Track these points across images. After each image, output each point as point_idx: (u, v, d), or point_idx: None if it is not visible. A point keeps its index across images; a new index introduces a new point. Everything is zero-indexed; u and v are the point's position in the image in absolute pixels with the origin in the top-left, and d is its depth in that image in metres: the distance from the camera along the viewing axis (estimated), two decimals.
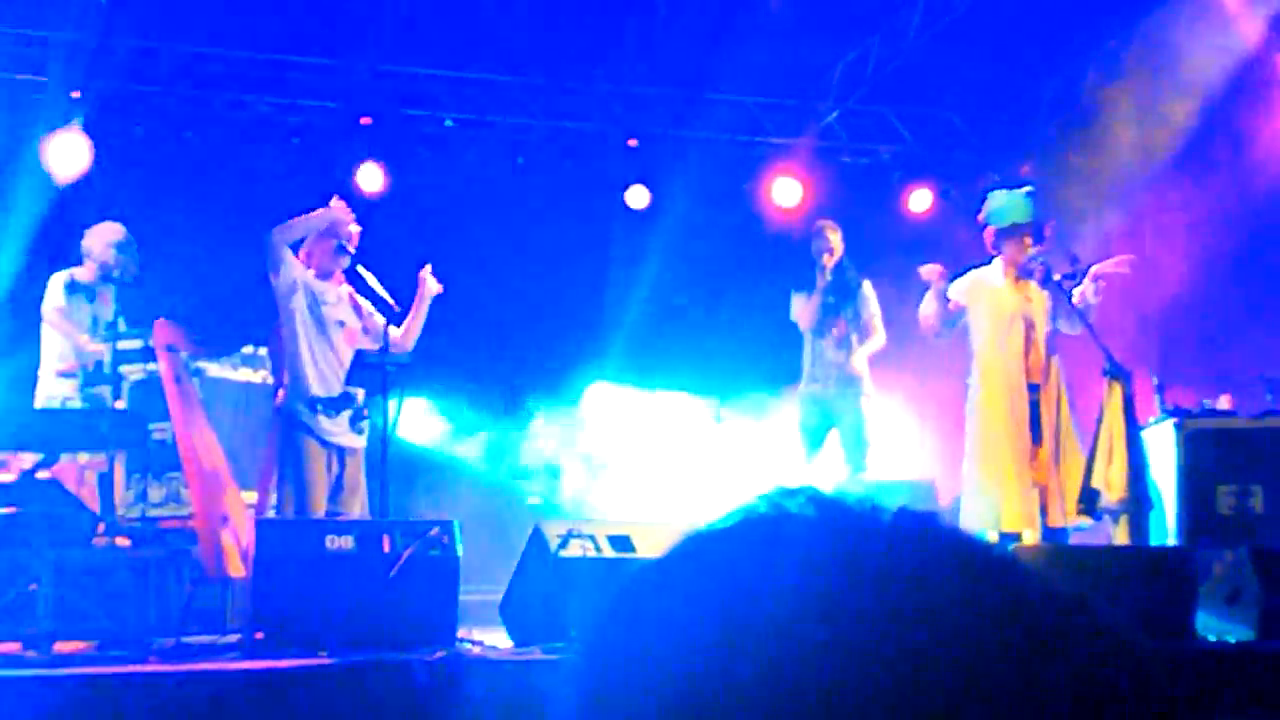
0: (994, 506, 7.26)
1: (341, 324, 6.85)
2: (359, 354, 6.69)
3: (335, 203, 6.89)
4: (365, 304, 6.96)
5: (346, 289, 6.94)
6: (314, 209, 7.04)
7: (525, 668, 5.01)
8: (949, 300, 7.48)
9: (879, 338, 9.74)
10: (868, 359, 9.82)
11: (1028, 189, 7.55)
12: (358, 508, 6.80)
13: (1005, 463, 7.25)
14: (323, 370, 6.77)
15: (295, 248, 6.89)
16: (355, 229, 6.94)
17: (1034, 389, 7.30)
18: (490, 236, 11.58)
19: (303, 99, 11.24)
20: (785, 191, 12.18)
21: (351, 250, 6.90)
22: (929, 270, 7.56)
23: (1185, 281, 10.77)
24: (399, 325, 6.89)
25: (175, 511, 7.91)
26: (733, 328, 11.80)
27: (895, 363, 10.29)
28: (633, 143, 11.94)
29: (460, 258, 11.35)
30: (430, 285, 6.98)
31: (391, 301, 6.66)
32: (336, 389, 6.77)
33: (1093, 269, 7.44)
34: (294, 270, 6.77)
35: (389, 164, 11.20)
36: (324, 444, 6.73)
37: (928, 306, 7.52)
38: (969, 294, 7.51)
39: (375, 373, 6.37)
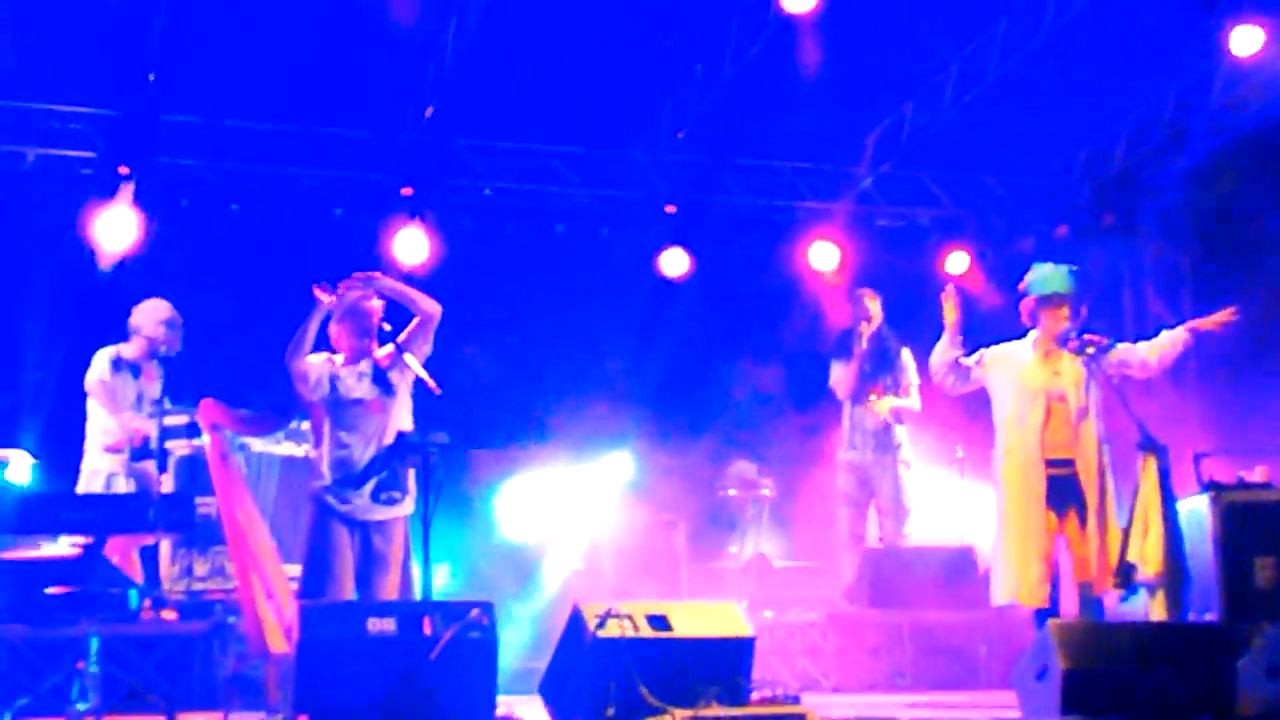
0: (1005, 578, 7.33)
1: (359, 401, 6.90)
2: (400, 436, 6.77)
3: (341, 286, 6.91)
4: (395, 361, 6.94)
5: (368, 362, 6.97)
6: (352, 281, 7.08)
7: None
8: (960, 354, 7.54)
9: (913, 402, 9.80)
10: (907, 424, 9.88)
11: (1072, 267, 7.62)
12: (394, 583, 6.82)
13: (1016, 537, 7.32)
14: (342, 449, 6.83)
15: (323, 342, 6.95)
16: (376, 305, 6.98)
17: (1063, 464, 7.33)
18: (530, 303, 11.71)
19: (345, 170, 11.41)
20: (822, 256, 12.25)
21: (371, 328, 6.94)
22: (946, 294, 7.61)
23: (1221, 350, 10.78)
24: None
25: (220, 585, 8.04)
26: (769, 394, 11.85)
27: (936, 428, 10.35)
28: (670, 209, 12.05)
29: (500, 325, 11.52)
30: (375, 284, 6.94)
31: (432, 384, 6.72)
32: (359, 466, 6.82)
33: (1190, 323, 7.50)
34: (316, 374, 6.84)
35: (430, 233, 11.34)
36: (346, 522, 6.78)
37: (943, 355, 7.56)
38: (992, 364, 7.56)
39: (417, 453, 6.46)
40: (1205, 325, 7.48)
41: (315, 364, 6.86)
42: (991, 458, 7.65)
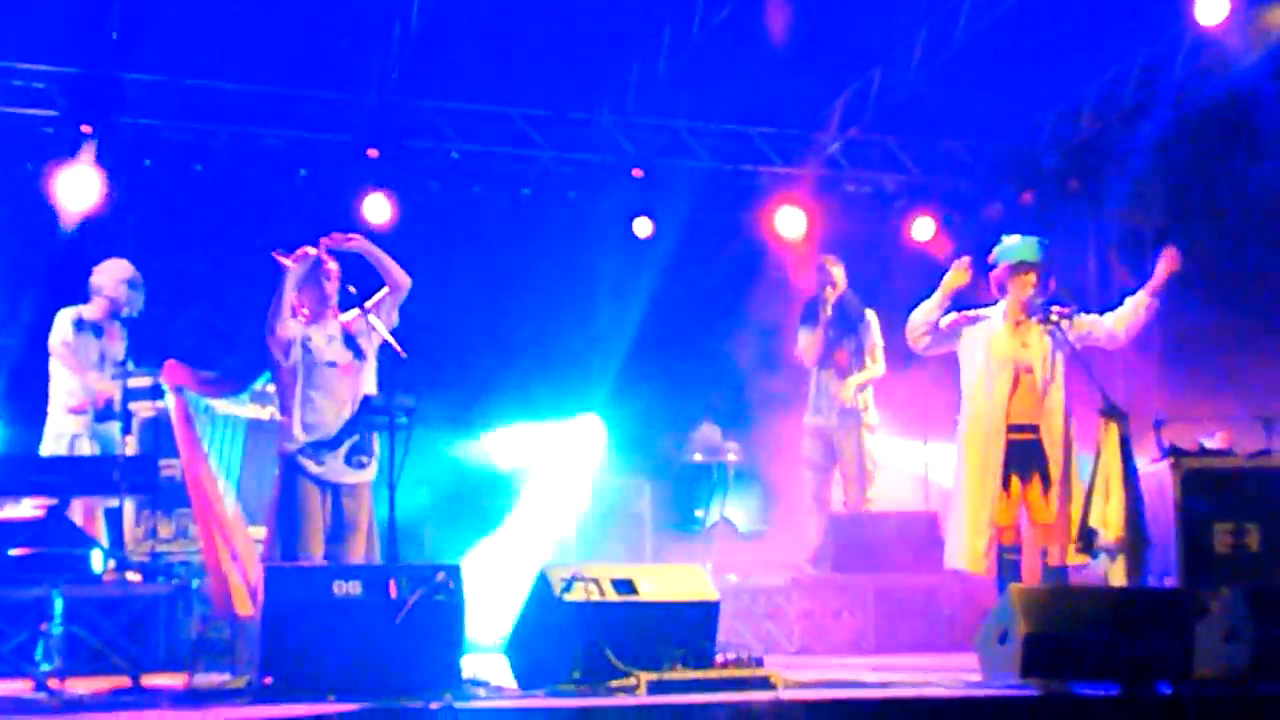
0: (961, 545, 7.40)
1: (333, 364, 6.91)
2: (366, 399, 6.77)
3: (308, 248, 6.92)
4: (362, 325, 6.95)
5: (337, 325, 6.97)
6: (314, 241, 7.08)
7: (530, 715, 5.09)
8: (943, 320, 7.55)
9: (877, 367, 9.85)
10: (871, 389, 9.92)
11: (1042, 239, 7.65)
12: (361, 545, 6.85)
13: (970, 505, 7.39)
14: (315, 412, 6.83)
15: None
16: (333, 267, 6.98)
17: (1027, 428, 7.37)
18: (495, 266, 11.69)
19: (310, 131, 11.34)
20: (789, 221, 12.26)
21: (330, 290, 6.93)
22: (961, 263, 7.57)
23: (1184, 318, 10.85)
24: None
25: (184, 548, 8.02)
26: (733, 358, 11.87)
27: (899, 393, 10.39)
28: (638, 173, 12.03)
29: (465, 288, 11.49)
30: (350, 244, 6.95)
31: (398, 347, 6.73)
32: (332, 429, 6.83)
33: (1148, 286, 7.51)
34: (291, 334, 6.84)
35: (396, 195, 11.29)
36: (318, 483, 6.80)
37: (926, 314, 7.55)
38: (965, 330, 7.58)
39: (382, 416, 6.46)
40: (1160, 280, 7.51)
41: (290, 327, 6.85)
42: (956, 422, 7.69)
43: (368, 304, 6.97)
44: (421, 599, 5.53)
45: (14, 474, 6.67)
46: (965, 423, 7.55)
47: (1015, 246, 7.60)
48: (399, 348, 6.72)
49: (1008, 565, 7.32)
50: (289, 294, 6.84)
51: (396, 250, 10.81)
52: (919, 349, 7.74)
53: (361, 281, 7.08)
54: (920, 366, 10.01)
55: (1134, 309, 7.55)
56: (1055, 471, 7.33)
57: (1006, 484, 7.36)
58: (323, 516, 6.78)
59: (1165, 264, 7.50)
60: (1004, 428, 7.38)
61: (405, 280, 7.02)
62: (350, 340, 6.97)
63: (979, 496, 7.36)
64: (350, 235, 7.00)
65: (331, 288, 6.95)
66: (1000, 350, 7.47)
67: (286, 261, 6.83)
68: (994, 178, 12.66)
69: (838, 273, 9.91)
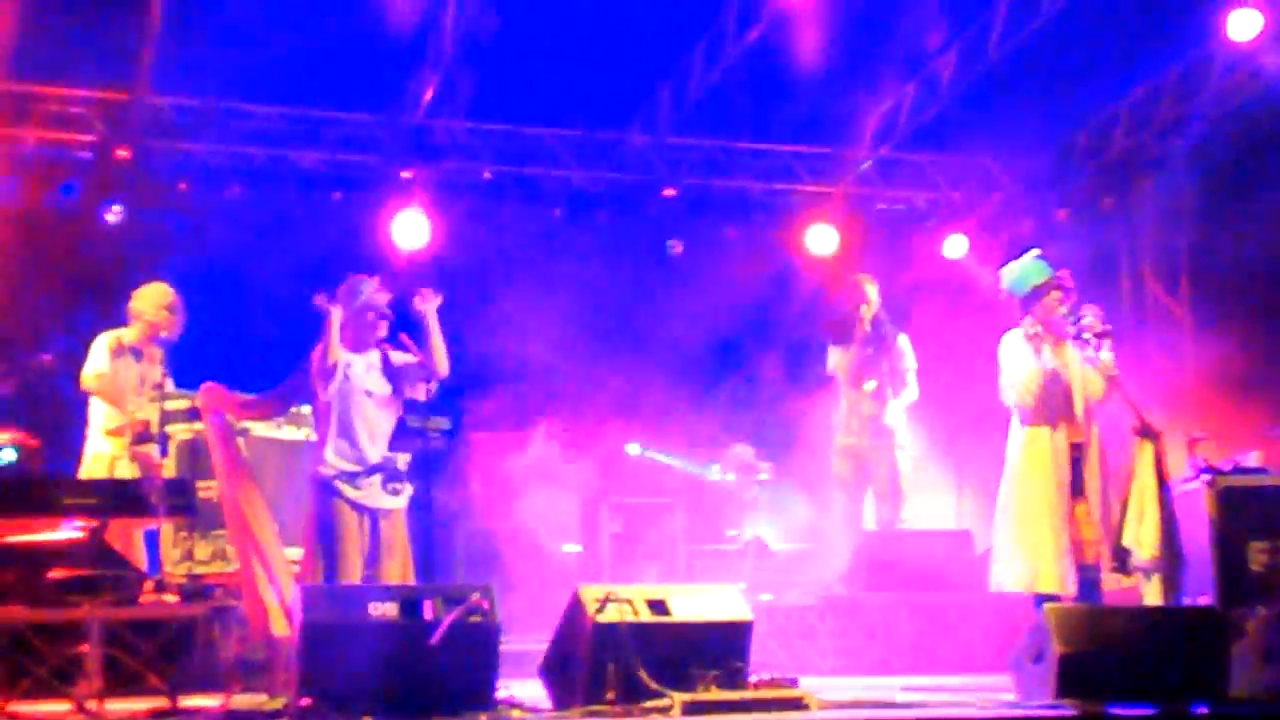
0: (1031, 568, 7.25)
1: (369, 393, 6.96)
2: (401, 421, 6.82)
3: (362, 283, 6.97)
4: (404, 358, 7.00)
5: (376, 355, 7.02)
6: (357, 270, 7.14)
7: None
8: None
9: (912, 391, 9.84)
10: (905, 410, 9.91)
11: (1034, 251, 7.57)
12: (397, 569, 6.90)
13: (1045, 524, 7.24)
14: (350, 439, 6.88)
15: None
16: (383, 298, 7.02)
17: (1076, 449, 7.33)
18: (526, 287, 11.72)
19: (344, 153, 11.42)
20: (821, 239, 12.27)
21: (380, 324, 6.99)
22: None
23: (1218, 335, 10.83)
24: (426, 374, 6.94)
25: (221, 569, 8.07)
26: (769, 378, 11.89)
27: (931, 413, 10.38)
28: (669, 192, 12.07)
29: (498, 308, 11.54)
30: (426, 304, 6.98)
31: (438, 350, 6.78)
32: (370, 455, 6.88)
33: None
34: (334, 360, 6.89)
35: (429, 216, 11.36)
36: (355, 507, 6.85)
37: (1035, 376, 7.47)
38: (1020, 349, 7.50)
39: (418, 439, 6.51)
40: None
41: (335, 352, 6.90)
42: (1005, 443, 7.58)
43: (398, 360, 7.00)
44: (456, 620, 5.55)
45: (53, 496, 6.72)
46: (1026, 444, 7.43)
47: (1022, 275, 7.50)
48: (442, 343, 6.76)
49: (1088, 584, 7.23)
50: (333, 336, 6.86)
51: (430, 272, 10.95)
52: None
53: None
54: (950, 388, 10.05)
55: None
56: (1095, 487, 7.27)
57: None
58: (361, 539, 6.83)
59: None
60: (1067, 445, 7.30)
61: (444, 368, 7.01)
62: (390, 371, 7.02)
63: (1056, 518, 7.26)
64: (438, 295, 7.02)
65: (375, 317, 6.99)
66: (1046, 366, 7.39)
67: (326, 305, 6.87)
68: (1027, 196, 12.64)
69: (872, 291, 9.91)
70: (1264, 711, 5.80)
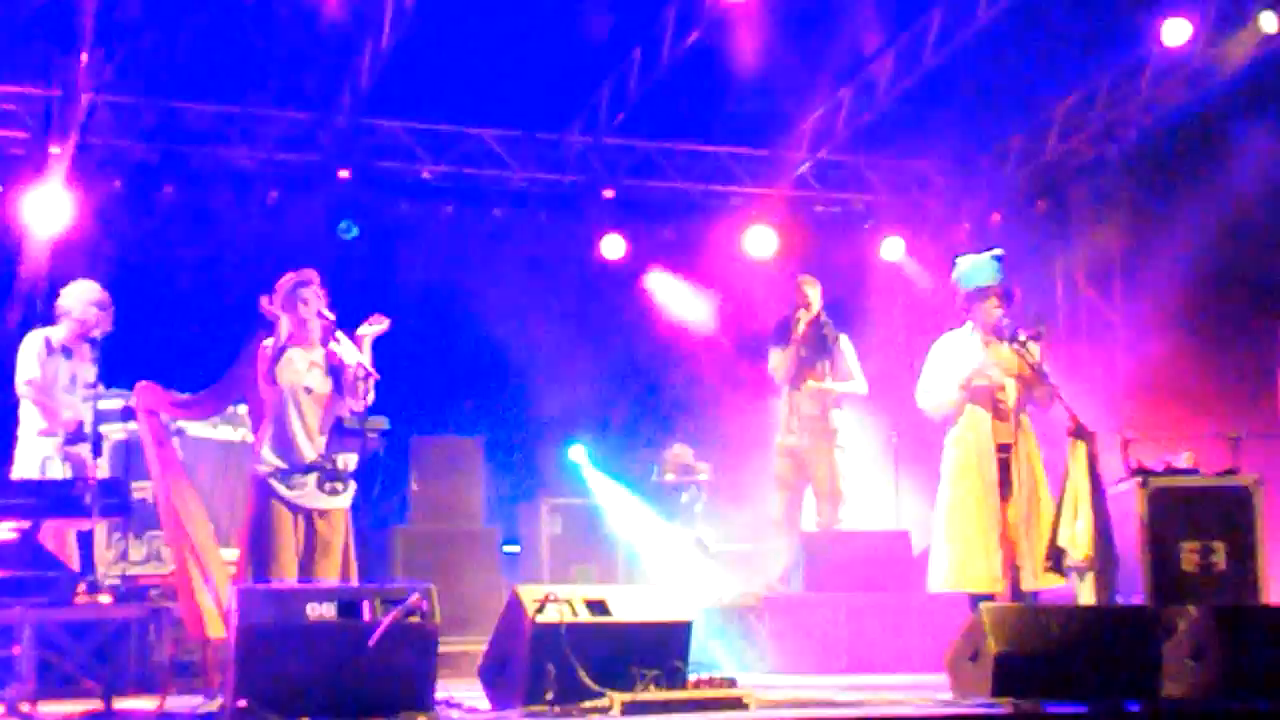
0: (961, 566, 7.37)
1: (309, 390, 6.92)
2: (338, 422, 6.79)
3: (305, 283, 6.94)
4: (352, 362, 6.96)
5: (320, 353, 6.99)
6: (294, 267, 7.10)
7: None
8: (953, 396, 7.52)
9: (860, 385, 9.87)
10: (847, 405, 9.95)
11: (996, 252, 7.67)
12: (332, 569, 6.85)
13: (974, 523, 7.36)
14: (287, 437, 6.84)
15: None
16: (314, 293, 6.96)
17: (1005, 449, 7.42)
18: (465, 287, 11.70)
19: (281, 152, 11.35)
20: (760, 240, 12.33)
21: (307, 315, 6.93)
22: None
23: (1150, 336, 10.96)
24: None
25: (156, 570, 8.02)
26: (708, 379, 11.93)
27: (869, 414, 10.45)
28: (609, 194, 12.08)
29: (436, 308, 11.51)
30: (372, 329, 6.95)
31: (371, 369, 6.74)
32: (306, 454, 6.84)
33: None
34: (271, 362, 6.85)
35: (366, 216, 11.31)
36: (291, 507, 6.81)
37: (955, 405, 7.54)
38: (947, 354, 7.60)
39: (356, 439, 6.47)
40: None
41: (269, 350, 6.86)
42: (942, 445, 7.67)
43: (347, 369, 6.95)
44: (395, 621, 5.53)
45: None
46: (954, 444, 7.54)
47: (972, 271, 7.62)
48: (372, 369, 6.73)
49: (1017, 585, 7.29)
50: (283, 344, 6.83)
51: (368, 271, 10.92)
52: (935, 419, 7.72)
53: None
54: (888, 387, 10.12)
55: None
56: (1022, 490, 7.37)
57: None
58: (295, 539, 6.79)
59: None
60: (993, 445, 7.39)
61: (362, 403, 6.94)
62: (333, 369, 6.98)
63: (984, 517, 7.34)
64: (385, 320, 6.98)
65: (308, 311, 6.94)
66: (974, 365, 7.49)
67: (278, 313, 6.84)
68: (962, 198, 12.75)
69: (813, 294, 9.95)
70: (1195, 709, 5.87)
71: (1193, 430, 8.16)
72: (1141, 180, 11.53)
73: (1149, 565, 7.17)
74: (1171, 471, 7.47)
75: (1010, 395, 7.46)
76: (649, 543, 10.85)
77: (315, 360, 6.96)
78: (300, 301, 6.94)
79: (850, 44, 11.03)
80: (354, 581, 6.83)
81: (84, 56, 9.98)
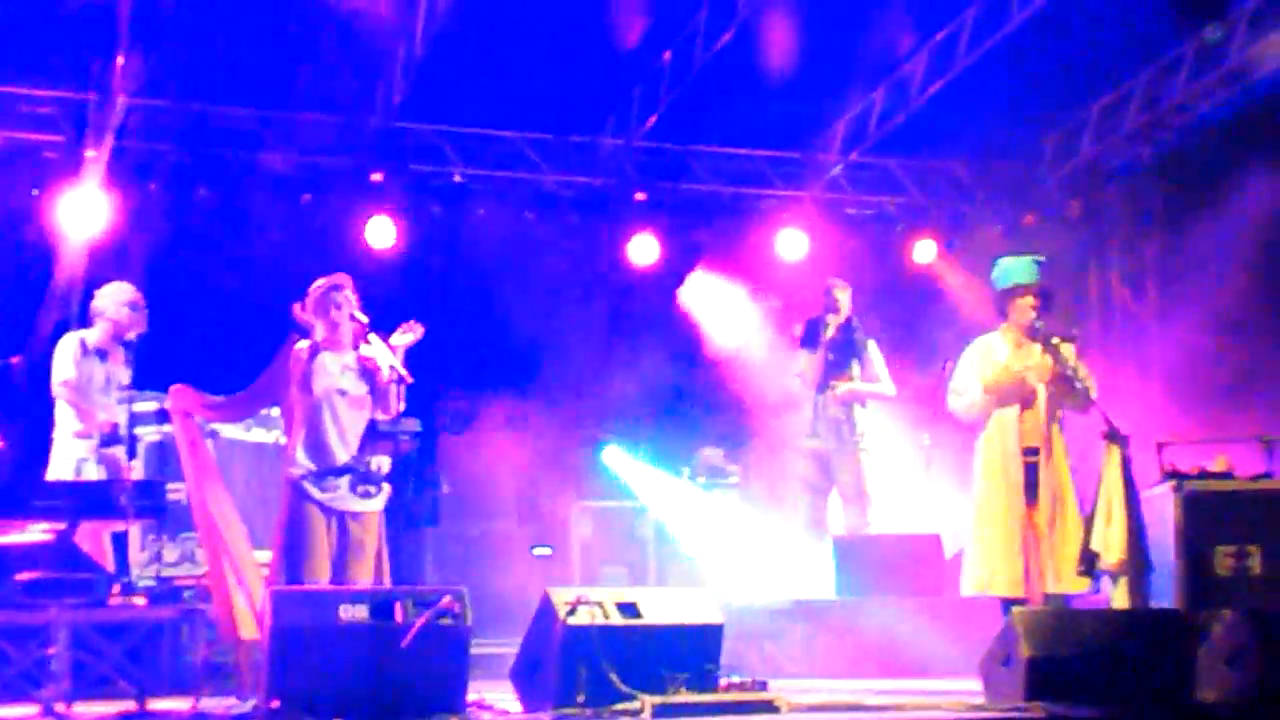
0: (986, 569, 7.35)
1: (343, 393, 6.95)
2: (372, 424, 6.81)
3: (339, 287, 6.97)
4: (385, 365, 6.98)
5: (353, 356, 7.02)
6: (327, 271, 7.14)
7: None
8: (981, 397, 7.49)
9: (888, 387, 9.86)
10: (876, 407, 9.93)
11: (1037, 256, 7.66)
12: (365, 572, 6.89)
13: (998, 526, 7.35)
14: (320, 440, 6.87)
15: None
16: (347, 295, 6.99)
17: (1033, 453, 7.39)
18: (498, 290, 11.72)
19: (314, 155, 11.39)
20: (791, 243, 12.32)
21: (340, 319, 6.96)
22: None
23: (1185, 340, 10.89)
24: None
25: (190, 571, 8.05)
26: (738, 381, 11.91)
27: (901, 417, 10.42)
28: (641, 196, 12.09)
29: (468, 311, 11.53)
30: (404, 337, 6.98)
31: (405, 372, 6.77)
32: (340, 456, 6.87)
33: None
34: (305, 365, 6.88)
35: (399, 219, 11.34)
36: (324, 510, 6.84)
37: (983, 408, 7.52)
38: (977, 358, 7.57)
39: (389, 441, 6.49)
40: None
41: (304, 354, 6.89)
42: (973, 448, 7.66)
43: (380, 373, 6.98)
44: (427, 623, 5.54)
45: (20, 498, 6.69)
46: (983, 447, 7.53)
47: (1010, 269, 7.61)
48: (406, 373, 6.76)
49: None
50: (318, 344, 6.89)
51: (401, 274, 10.95)
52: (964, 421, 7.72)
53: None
54: (920, 390, 10.08)
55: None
56: (1049, 495, 7.33)
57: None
58: (328, 541, 6.82)
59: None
60: (1019, 449, 7.37)
61: (392, 412, 7.02)
62: (366, 373, 7.01)
63: (1008, 520, 7.32)
64: (419, 328, 7.01)
65: (340, 315, 6.97)
66: (1009, 372, 7.46)
67: (313, 320, 6.88)
68: (995, 201, 12.70)
69: (843, 298, 9.94)
70: (1230, 715, 5.83)
71: (1227, 434, 8.11)
72: (1177, 182, 11.46)
73: (1183, 569, 7.12)
74: (1206, 475, 7.43)
75: (1041, 398, 7.42)
76: (693, 538, 10.85)
77: (348, 364, 6.99)
78: (334, 306, 6.97)
79: (882, 45, 11.01)
80: (386, 583, 6.85)
81: (120, 60, 10.06)
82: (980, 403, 7.49)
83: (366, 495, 6.86)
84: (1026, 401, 7.44)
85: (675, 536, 10.92)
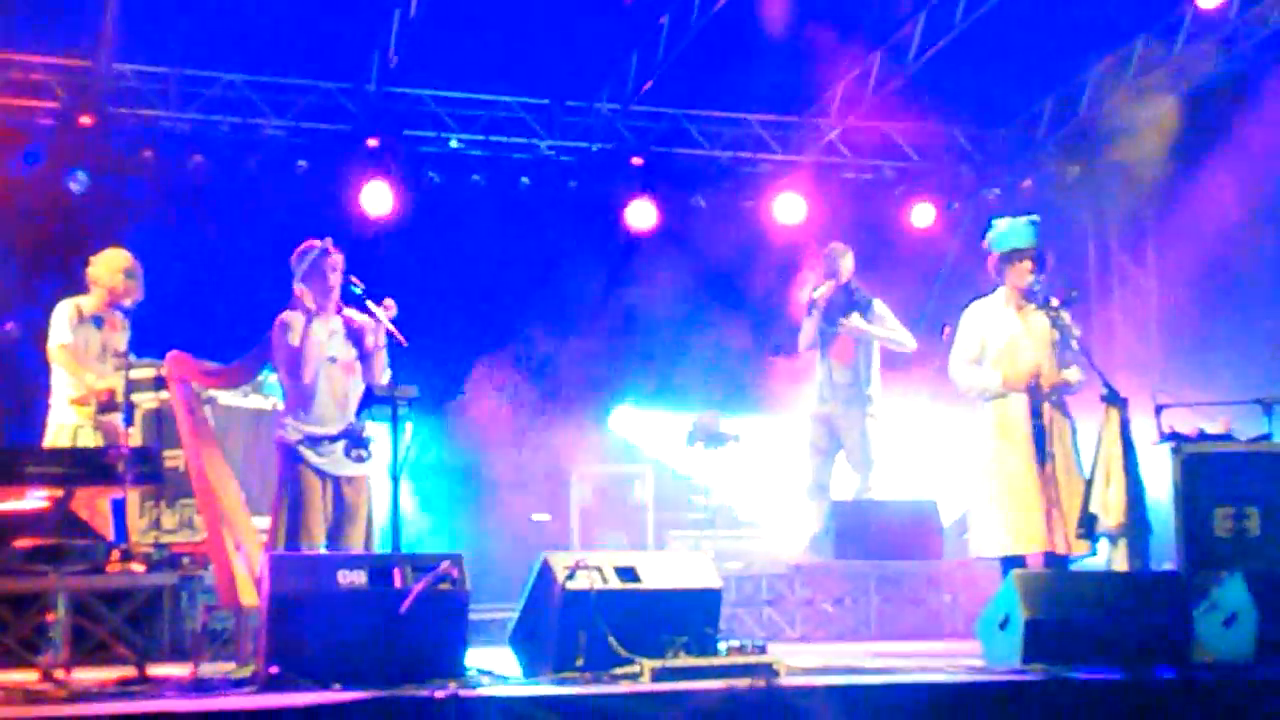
0: (1008, 529, 7.27)
1: (333, 359, 6.93)
2: (369, 390, 6.78)
3: (325, 252, 6.95)
4: (371, 334, 6.97)
5: (339, 320, 6.99)
6: (322, 236, 7.11)
7: (536, 701, 5.10)
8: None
9: (905, 336, 9.82)
10: (878, 377, 9.91)
11: (1033, 217, 7.61)
12: (358, 535, 6.89)
13: (1019, 486, 7.27)
14: (314, 406, 6.86)
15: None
16: (337, 259, 6.96)
17: (1038, 414, 7.34)
18: (494, 256, 11.70)
19: (310, 121, 11.35)
20: (789, 208, 12.29)
21: (331, 286, 6.94)
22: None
23: (1183, 302, 10.89)
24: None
25: (188, 538, 8.04)
26: (739, 346, 11.91)
27: (901, 383, 10.41)
28: (638, 161, 12.05)
29: (464, 277, 11.52)
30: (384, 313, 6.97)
31: (399, 336, 6.75)
32: (332, 422, 6.86)
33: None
34: (294, 333, 6.86)
35: (395, 185, 11.31)
36: (319, 473, 6.83)
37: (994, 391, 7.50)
38: (979, 324, 7.53)
39: (385, 406, 6.47)
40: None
41: (294, 323, 6.87)
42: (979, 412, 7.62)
43: (367, 337, 6.97)
44: (426, 588, 5.53)
45: (17, 465, 6.67)
46: (993, 409, 7.46)
47: (1006, 233, 7.55)
48: (400, 336, 6.74)
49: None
50: (311, 322, 6.89)
51: (397, 241, 10.93)
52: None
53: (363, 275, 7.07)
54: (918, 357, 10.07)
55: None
56: (1061, 458, 7.29)
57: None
58: (324, 506, 6.82)
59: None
60: (1027, 412, 7.31)
61: (380, 378, 6.98)
62: (353, 335, 6.99)
63: (1025, 478, 7.26)
64: (390, 305, 6.97)
65: (335, 279, 6.95)
66: (1010, 333, 7.42)
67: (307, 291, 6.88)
68: (993, 164, 12.67)
69: (844, 262, 9.92)
70: (1228, 675, 5.84)
71: (1226, 395, 8.10)
72: (1174, 144, 11.42)
73: (1182, 531, 7.12)
74: (1204, 437, 7.42)
75: (1046, 367, 7.36)
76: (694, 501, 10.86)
77: (334, 329, 6.98)
78: (329, 270, 6.95)
79: (880, 8, 10.96)
80: (375, 548, 6.85)
81: (111, 26, 10.01)
82: (996, 392, 7.42)
83: (360, 459, 6.86)
84: (1032, 364, 7.38)
85: (676, 500, 10.91)
